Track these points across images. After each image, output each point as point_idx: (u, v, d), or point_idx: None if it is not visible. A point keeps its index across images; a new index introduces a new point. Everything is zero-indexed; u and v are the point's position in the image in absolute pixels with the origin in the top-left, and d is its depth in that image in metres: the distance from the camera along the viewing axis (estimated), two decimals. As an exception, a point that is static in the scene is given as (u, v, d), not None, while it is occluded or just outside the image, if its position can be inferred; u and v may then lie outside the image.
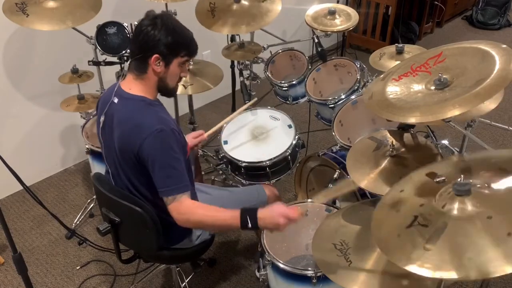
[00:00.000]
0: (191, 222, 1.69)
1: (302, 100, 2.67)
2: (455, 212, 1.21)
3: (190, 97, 2.88)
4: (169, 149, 1.65)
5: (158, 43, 1.65)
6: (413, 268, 1.12)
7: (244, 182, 2.34)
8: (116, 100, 1.73)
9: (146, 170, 1.68)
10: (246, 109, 2.42)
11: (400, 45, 2.29)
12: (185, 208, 1.65)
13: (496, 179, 1.24)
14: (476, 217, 1.17)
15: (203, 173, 3.04)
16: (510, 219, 1.13)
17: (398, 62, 2.13)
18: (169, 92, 1.80)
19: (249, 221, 1.63)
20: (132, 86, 1.73)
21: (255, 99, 2.56)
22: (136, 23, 1.72)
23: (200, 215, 1.67)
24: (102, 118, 1.79)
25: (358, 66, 2.48)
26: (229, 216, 1.66)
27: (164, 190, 1.66)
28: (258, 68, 2.90)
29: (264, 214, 1.65)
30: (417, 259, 1.13)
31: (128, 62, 1.77)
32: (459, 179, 1.26)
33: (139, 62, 1.70)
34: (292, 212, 1.65)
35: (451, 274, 1.08)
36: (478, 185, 1.25)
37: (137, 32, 1.68)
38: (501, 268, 1.05)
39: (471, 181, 1.26)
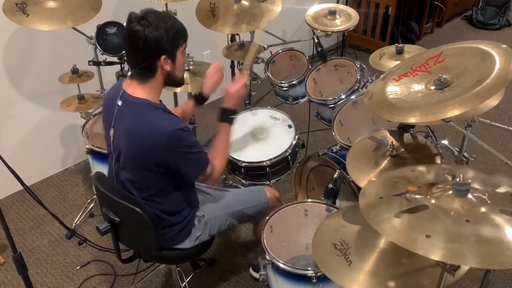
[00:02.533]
0: (224, 163, 1.89)
1: (302, 100, 2.67)
2: (441, 202, 1.27)
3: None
4: (188, 142, 1.70)
5: (161, 43, 1.63)
6: (374, 225, 1.25)
7: (244, 182, 2.34)
8: (120, 103, 1.71)
9: (154, 173, 1.71)
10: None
11: (400, 45, 2.29)
12: (216, 162, 1.82)
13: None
14: (455, 214, 1.23)
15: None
16: (483, 231, 1.18)
17: (398, 62, 2.13)
18: (179, 82, 1.83)
19: (227, 118, 1.96)
20: (136, 91, 1.70)
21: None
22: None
23: (224, 155, 1.89)
24: (112, 131, 1.76)
25: (358, 66, 2.48)
26: (223, 135, 1.93)
27: (201, 170, 1.77)
28: (258, 68, 2.90)
29: (228, 101, 1.99)
30: (382, 221, 1.25)
31: (130, 71, 1.72)
32: (458, 179, 1.27)
33: (145, 69, 1.67)
34: (238, 81, 1.99)
35: (402, 242, 1.18)
36: (478, 192, 1.28)
37: (134, 40, 1.62)
38: (444, 257, 1.14)
39: (470, 181, 1.27)
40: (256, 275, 2.39)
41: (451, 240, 1.15)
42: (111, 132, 1.76)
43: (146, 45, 1.62)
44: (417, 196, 1.31)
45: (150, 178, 1.74)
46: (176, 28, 1.68)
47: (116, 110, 1.72)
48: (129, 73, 1.71)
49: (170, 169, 1.73)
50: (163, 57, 1.65)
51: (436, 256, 1.13)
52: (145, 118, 1.67)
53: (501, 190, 1.32)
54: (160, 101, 1.77)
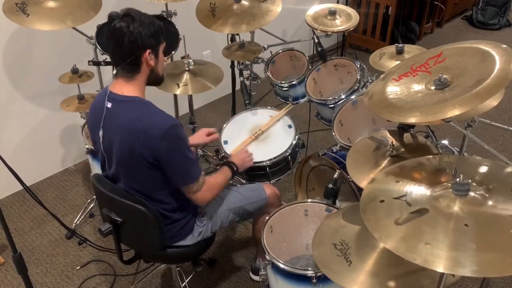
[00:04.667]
0: (213, 195, 1.89)
1: (302, 100, 2.67)
2: (441, 204, 1.26)
3: (190, 97, 2.88)
4: (183, 142, 1.72)
5: (145, 37, 1.65)
6: (374, 232, 1.23)
7: (244, 182, 2.34)
8: (109, 105, 1.71)
9: (155, 168, 1.70)
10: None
11: (400, 45, 2.28)
12: (207, 186, 1.84)
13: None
14: (456, 218, 1.21)
15: (203, 173, 3.04)
16: (483, 236, 1.17)
17: (398, 62, 2.12)
18: (160, 80, 1.83)
19: (231, 167, 2.04)
20: (124, 89, 1.70)
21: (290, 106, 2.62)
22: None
23: (217, 187, 1.91)
24: (101, 133, 1.75)
25: (358, 66, 2.48)
26: (224, 174, 2.00)
27: (186, 180, 1.76)
28: (258, 68, 2.90)
29: (236, 159, 2.10)
30: (382, 227, 1.23)
31: (116, 69, 1.72)
32: (458, 179, 1.27)
33: (131, 64, 1.68)
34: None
35: (401, 252, 1.16)
36: (478, 193, 1.27)
37: (118, 37, 1.63)
38: (443, 266, 1.12)
39: (470, 181, 1.27)
40: (256, 278, 2.40)
41: (450, 248, 1.14)
42: (100, 133, 1.75)
43: (131, 40, 1.63)
44: (418, 196, 1.31)
45: (148, 175, 1.73)
46: (157, 24, 1.71)
47: (104, 112, 1.71)
48: (114, 72, 1.72)
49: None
50: (148, 51, 1.67)
51: (435, 266, 1.11)
52: (141, 114, 1.68)
53: (503, 185, 1.32)
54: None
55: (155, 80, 1.80)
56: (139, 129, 1.65)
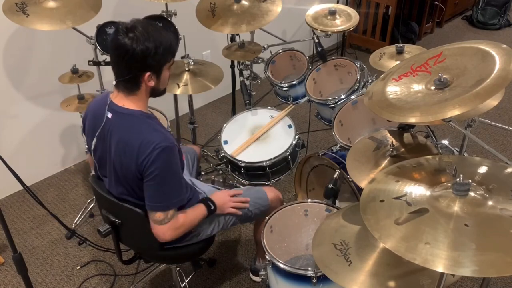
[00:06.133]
0: (175, 235, 1.75)
1: (302, 100, 2.67)
2: (441, 204, 1.26)
3: (190, 97, 2.88)
4: (170, 167, 1.66)
5: (147, 59, 1.59)
6: (375, 233, 1.23)
7: (244, 182, 2.34)
8: (110, 115, 1.68)
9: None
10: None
11: (400, 45, 2.28)
12: (174, 224, 1.71)
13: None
14: (456, 218, 1.22)
15: (202, 173, 3.05)
16: (483, 235, 1.17)
17: (398, 62, 2.12)
18: (161, 93, 1.79)
19: (209, 206, 1.86)
20: (126, 103, 1.67)
21: (292, 106, 2.62)
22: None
23: (184, 227, 1.77)
24: (94, 141, 1.73)
25: (358, 66, 2.48)
26: (200, 213, 1.84)
27: (154, 205, 1.67)
28: (258, 68, 2.90)
29: (216, 198, 1.91)
30: (382, 227, 1.24)
31: (115, 82, 1.66)
32: (458, 179, 1.27)
33: (130, 82, 1.64)
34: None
35: (401, 252, 1.17)
36: (478, 193, 1.27)
37: (120, 52, 1.57)
38: (443, 266, 1.12)
39: (470, 181, 1.27)
40: (256, 278, 2.40)
41: (450, 248, 1.14)
42: (94, 141, 1.73)
43: (132, 60, 1.58)
44: (417, 196, 1.31)
45: (139, 187, 1.71)
46: (165, 44, 1.63)
47: (104, 121, 1.69)
48: (114, 83, 1.68)
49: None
50: (147, 74, 1.62)
51: (435, 266, 1.11)
52: (138, 130, 1.65)
53: (503, 185, 1.32)
54: (150, 111, 1.76)
55: (156, 93, 1.76)
56: (133, 145, 1.62)
